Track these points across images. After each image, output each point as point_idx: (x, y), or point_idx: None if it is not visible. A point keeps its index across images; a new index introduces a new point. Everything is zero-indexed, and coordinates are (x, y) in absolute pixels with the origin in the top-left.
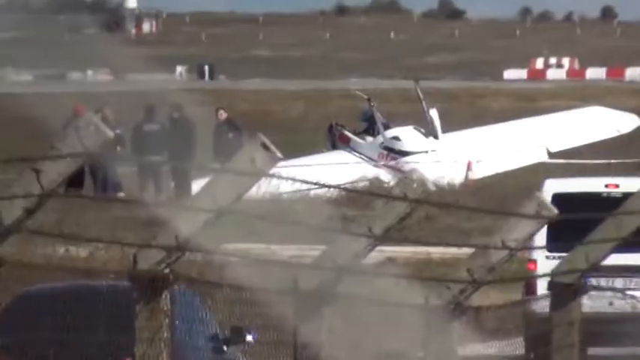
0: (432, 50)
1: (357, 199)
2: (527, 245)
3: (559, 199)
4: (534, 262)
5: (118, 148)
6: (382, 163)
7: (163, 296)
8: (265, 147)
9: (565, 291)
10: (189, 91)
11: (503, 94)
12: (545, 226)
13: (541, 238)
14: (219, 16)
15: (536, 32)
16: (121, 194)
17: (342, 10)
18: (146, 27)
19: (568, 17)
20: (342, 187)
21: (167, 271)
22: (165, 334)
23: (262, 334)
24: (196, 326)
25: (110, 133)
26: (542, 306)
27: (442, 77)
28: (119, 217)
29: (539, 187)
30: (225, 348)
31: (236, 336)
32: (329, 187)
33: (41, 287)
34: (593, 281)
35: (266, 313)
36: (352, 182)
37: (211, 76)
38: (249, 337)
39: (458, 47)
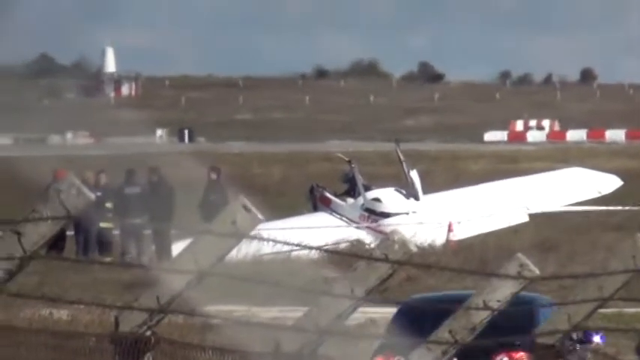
0: (412, 113)
1: (338, 260)
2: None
3: None
4: None
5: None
6: (363, 224)
7: (145, 359)
8: (246, 209)
9: (547, 352)
10: (171, 154)
11: (484, 156)
12: None
13: None
14: (198, 80)
15: (516, 95)
16: (108, 259)
17: (321, 74)
18: (125, 90)
19: (548, 80)
20: (323, 248)
21: (149, 333)
22: None
23: None
24: None
25: (91, 196)
26: None
27: (423, 139)
28: (101, 280)
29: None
30: (577, 346)
31: (586, 337)
32: (310, 248)
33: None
34: None
35: None
36: (334, 244)
37: (191, 139)
38: (596, 338)
39: (438, 110)
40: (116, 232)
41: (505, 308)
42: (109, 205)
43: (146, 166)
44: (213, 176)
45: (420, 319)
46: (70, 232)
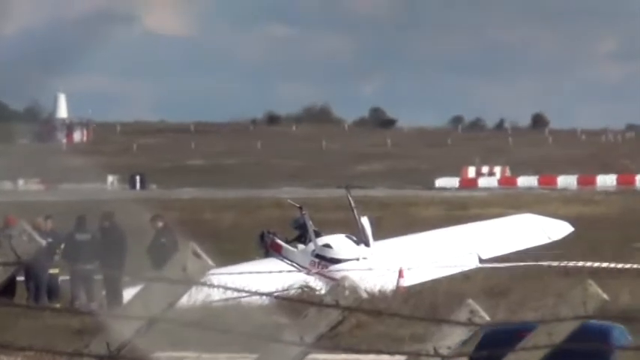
0: (364, 159)
1: (288, 307)
2: (458, 352)
3: None
4: None
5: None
6: (314, 270)
7: None
8: (197, 255)
9: None
10: (123, 200)
11: (435, 203)
12: None
13: None
14: (150, 126)
15: (467, 141)
16: (57, 305)
17: (273, 119)
18: (77, 136)
19: (499, 125)
20: (273, 294)
21: None
22: None
23: None
24: None
25: (42, 242)
26: None
27: (374, 185)
28: (51, 326)
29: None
30: None
31: None
32: (260, 294)
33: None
34: None
35: None
36: (284, 290)
37: (143, 186)
38: None
39: (390, 155)
40: (64, 277)
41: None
42: (57, 251)
43: (97, 213)
44: (160, 224)
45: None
46: (20, 278)
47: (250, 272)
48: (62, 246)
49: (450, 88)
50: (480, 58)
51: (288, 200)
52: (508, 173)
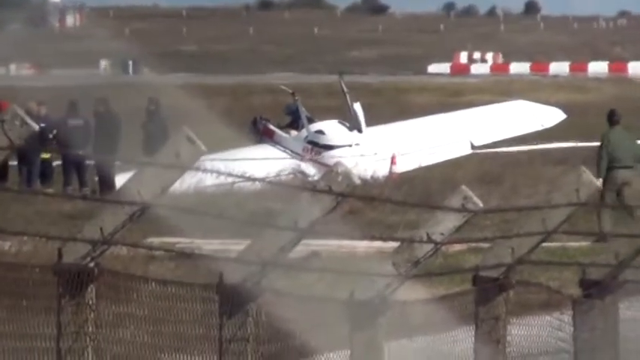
0: (356, 45)
1: (281, 192)
2: (452, 239)
3: None
4: None
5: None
6: (306, 156)
7: (89, 290)
8: (190, 140)
9: (490, 285)
10: (114, 85)
11: (427, 89)
12: None
13: None
14: (143, 11)
15: (459, 27)
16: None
17: (265, 5)
18: (70, 21)
19: (491, 12)
20: (266, 180)
21: (92, 264)
22: (90, 329)
23: (187, 329)
24: None
25: (35, 126)
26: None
27: (366, 72)
28: (44, 211)
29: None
30: None
31: None
32: (253, 180)
33: None
34: None
35: (191, 308)
36: (276, 175)
37: (135, 71)
38: None
39: (382, 42)
40: (57, 163)
41: None
42: (50, 136)
43: (91, 98)
44: (152, 107)
45: None
46: (12, 163)
47: (244, 159)
48: (54, 131)
49: None
50: None
51: (281, 86)
52: (500, 60)
